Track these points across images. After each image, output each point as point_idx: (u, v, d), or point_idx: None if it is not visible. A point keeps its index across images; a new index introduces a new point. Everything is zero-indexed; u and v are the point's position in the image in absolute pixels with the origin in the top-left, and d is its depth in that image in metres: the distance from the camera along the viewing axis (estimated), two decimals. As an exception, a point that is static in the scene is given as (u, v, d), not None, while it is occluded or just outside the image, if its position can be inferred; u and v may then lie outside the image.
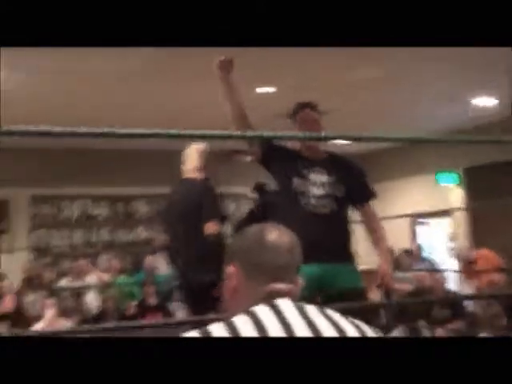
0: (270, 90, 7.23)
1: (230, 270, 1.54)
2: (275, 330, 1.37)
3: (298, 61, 6.27)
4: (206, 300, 3.72)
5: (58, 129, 2.27)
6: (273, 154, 3.51)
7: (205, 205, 3.97)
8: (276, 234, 1.55)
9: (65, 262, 9.56)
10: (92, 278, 8.17)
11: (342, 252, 3.44)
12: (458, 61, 6.42)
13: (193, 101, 7.40)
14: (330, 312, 1.47)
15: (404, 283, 7.41)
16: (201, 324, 1.50)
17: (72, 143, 9.01)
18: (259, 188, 4.46)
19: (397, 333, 7.64)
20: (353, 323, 1.46)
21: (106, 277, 8.28)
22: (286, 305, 1.44)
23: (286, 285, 1.50)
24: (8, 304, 7.39)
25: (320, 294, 3.21)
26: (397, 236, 9.69)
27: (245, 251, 1.55)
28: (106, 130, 2.32)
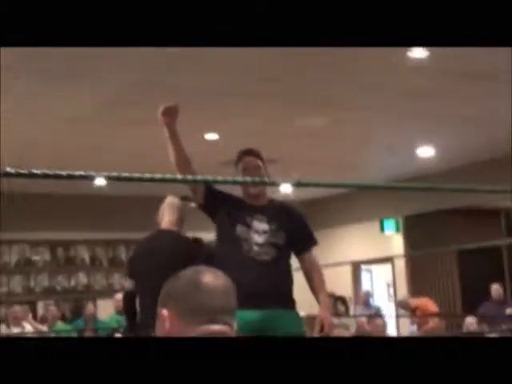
0: (215, 137, 7.31)
1: (164, 313, 1.54)
2: None
3: (245, 109, 6.37)
4: None
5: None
6: (215, 201, 3.53)
7: (192, 259, 4.01)
8: (211, 277, 1.56)
9: (1, 308, 9.34)
10: (28, 326, 8.01)
11: (283, 298, 3.46)
12: (401, 111, 6.63)
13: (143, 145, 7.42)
14: None
15: (340, 329, 7.49)
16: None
17: (9, 186, 8.89)
18: (196, 242, 4.47)
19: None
20: None
21: (40, 326, 8.14)
22: None
23: (221, 326, 1.51)
24: None
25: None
26: (340, 282, 9.82)
27: (179, 294, 1.54)
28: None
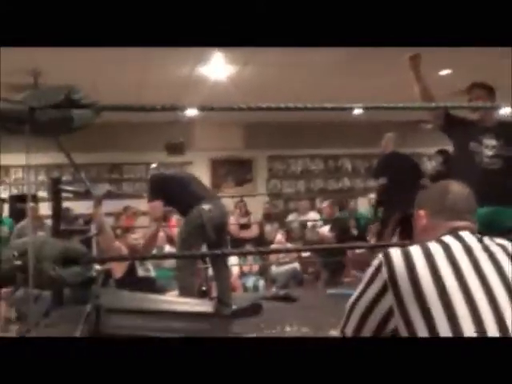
0: (449, 71, 6.85)
1: (421, 213, 1.56)
2: (458, 252, 1.39)
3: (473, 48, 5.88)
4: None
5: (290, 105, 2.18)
6: (453, 123, 3.40)
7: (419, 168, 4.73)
8: (457, 186, 1.56)
9: (291, 203, 10.00)
10: (312, 215, 8.47)
11: (508, 198, 3.28)
12: None
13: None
14: (499, 240, 1.48)
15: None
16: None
17: (296, 118, 9.29)
18: (442, 152, 4.40)
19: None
20: None
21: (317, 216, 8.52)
22: (466, 235, 1.46)
23: (465, 222, 1.51)
24: (254, 231, 8.07)
25: (489, 230, 3.12)
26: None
27: (433, 199, 1.57)
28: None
